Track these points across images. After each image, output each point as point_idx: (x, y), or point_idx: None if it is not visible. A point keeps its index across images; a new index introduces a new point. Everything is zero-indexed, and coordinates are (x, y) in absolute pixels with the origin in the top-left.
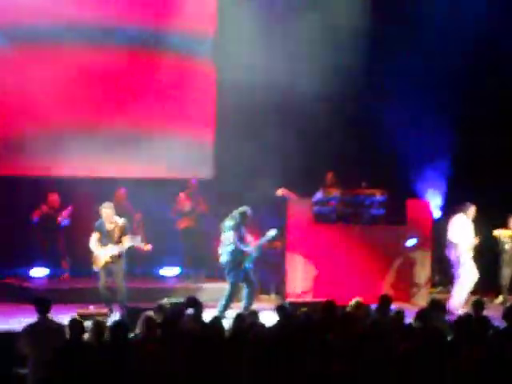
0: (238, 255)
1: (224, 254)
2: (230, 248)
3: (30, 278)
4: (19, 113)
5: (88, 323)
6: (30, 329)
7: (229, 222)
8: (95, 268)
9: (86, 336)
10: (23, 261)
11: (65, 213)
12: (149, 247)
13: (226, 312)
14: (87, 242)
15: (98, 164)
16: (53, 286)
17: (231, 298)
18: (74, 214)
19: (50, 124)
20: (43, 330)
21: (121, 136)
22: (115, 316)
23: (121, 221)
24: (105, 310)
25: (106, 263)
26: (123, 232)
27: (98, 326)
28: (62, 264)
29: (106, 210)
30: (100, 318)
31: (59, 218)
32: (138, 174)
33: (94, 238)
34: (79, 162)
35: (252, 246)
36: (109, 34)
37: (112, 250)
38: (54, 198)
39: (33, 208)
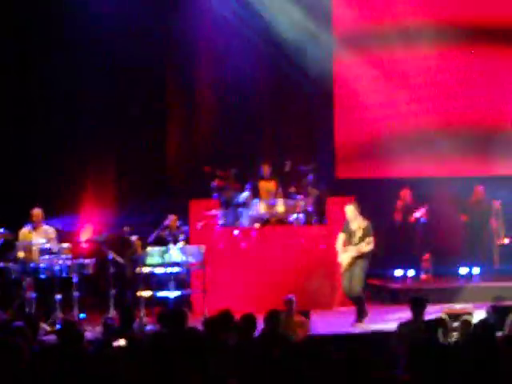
0: None
1: None
2: None
3: (394, 278)
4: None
5: (455, 323)
6: (403, 328)
7: None
8: (341, 270)
9: (455, 335)
10: (387, 261)
11: (420, 212)
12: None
13: None
14: (446, 242)
15: (453, 163)
16: (415, 285)
17: None
18: (433, 213)
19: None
20: (416, 329)
21: (471, 134)
22: (481, 315)
23: (365, 222)
24: (470, 309)
25: (348, 265)
26: (365, 233)
27: (466, 325)
28: (422, 263)
29: (349, 209)
30: (467, 317)
31: (414, 214)
32: (493, 172)
33: (340, 238)
34: (434, 162)
35: None
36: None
37: (351, 251)
38: (405, 192)
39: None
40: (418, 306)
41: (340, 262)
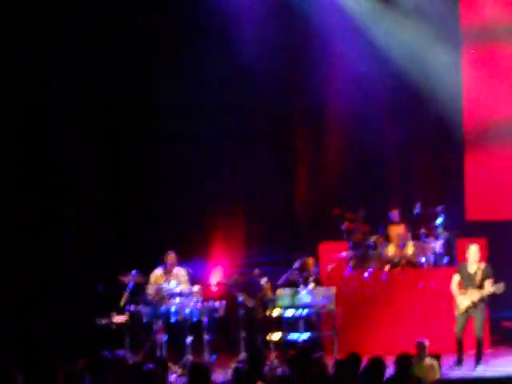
0: None
1: None
2: None
3: None
4: None
5: None
6: None
7: None
8: (456, 312)
9: None
10: None
11: None
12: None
13: None
14: None
15: None
16: None
17: None
18: None
19: None
20: None
21: None
22: None
23: (483, 264)
24: None
25: (467, 308)
26: (486, 275)
27: None
28: None
29: (473, 249)
30: None
31: None
32: None
33: (455, 280)
34: None
35: None
36: None
37: (472, 295)
38: None
39: None
40: None
41: (457, 305)
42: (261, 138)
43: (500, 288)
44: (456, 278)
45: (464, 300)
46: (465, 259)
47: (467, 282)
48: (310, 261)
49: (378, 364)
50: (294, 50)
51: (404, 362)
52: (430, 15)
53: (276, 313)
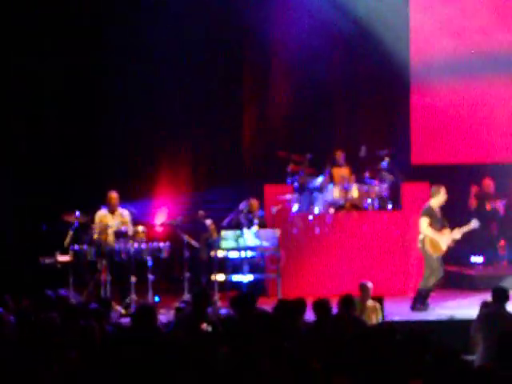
0: None
1: None
2: None
3: (471, 264)
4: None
5: None
6: (484, 316)
7: None
8: (434, 255)
9: None
10: (463, 247)
11: (500, 203)
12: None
13: None
14: None
15: None
16: (490, 272)
17: None
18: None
19: None
20: (497, 318)
21: None
22: None
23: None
24: None
25: (447, 249)
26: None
27: None
28: (498, 250)
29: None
30: None
31: (490, 205)
32: None
33: (425, 222)
34: None
35: None
36: None
37: (453, 234)
38: (488, 182)
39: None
40: (499, 294)
41: (435, 246)
42: (208, 80)
43: (476, 223)
44: (427, 219)
45: (446, 240)
46: (411, 203)
47: (439, 223)
48: (255, 202)
49: (322, 305)
50: None
51: (347, 303)
52: None
53: (220, 254)
